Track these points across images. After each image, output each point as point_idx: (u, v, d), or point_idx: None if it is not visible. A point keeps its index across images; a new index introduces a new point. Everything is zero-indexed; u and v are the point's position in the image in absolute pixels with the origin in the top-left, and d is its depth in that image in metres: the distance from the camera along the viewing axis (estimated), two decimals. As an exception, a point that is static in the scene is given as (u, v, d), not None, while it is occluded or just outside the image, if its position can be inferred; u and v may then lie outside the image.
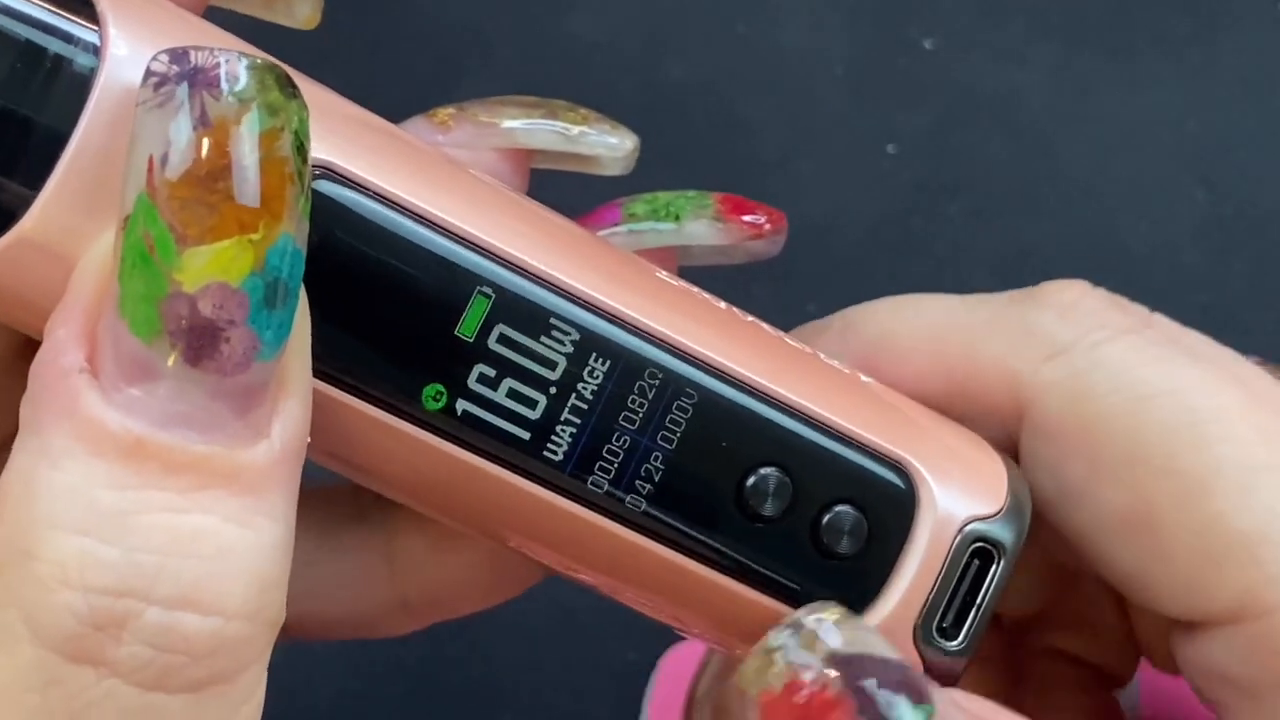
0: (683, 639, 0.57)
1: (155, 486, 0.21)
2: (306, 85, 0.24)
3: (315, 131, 0.22)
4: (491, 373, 0.24)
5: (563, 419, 0.25)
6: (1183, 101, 0.69)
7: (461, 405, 0.24)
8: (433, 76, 0.69)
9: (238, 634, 0.21)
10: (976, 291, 0.30)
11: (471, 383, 0.24)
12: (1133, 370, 0.28)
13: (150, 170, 0.20)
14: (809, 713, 0.23)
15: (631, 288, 0.25)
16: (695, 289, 0.27)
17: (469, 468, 0.25)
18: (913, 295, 0.30)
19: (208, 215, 0.20)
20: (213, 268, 0.20)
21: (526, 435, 0.25)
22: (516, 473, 0.25)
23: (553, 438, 0.25)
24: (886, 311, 0.30)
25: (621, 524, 0.25)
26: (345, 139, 0.24)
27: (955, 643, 0.26)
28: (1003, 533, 0.27)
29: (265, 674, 0.22)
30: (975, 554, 0.26)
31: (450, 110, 0.29)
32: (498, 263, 0.24)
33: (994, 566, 0.26)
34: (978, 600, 0.26)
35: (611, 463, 0.25)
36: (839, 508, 0.26)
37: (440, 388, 0.24)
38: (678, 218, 0.29)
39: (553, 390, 0.25)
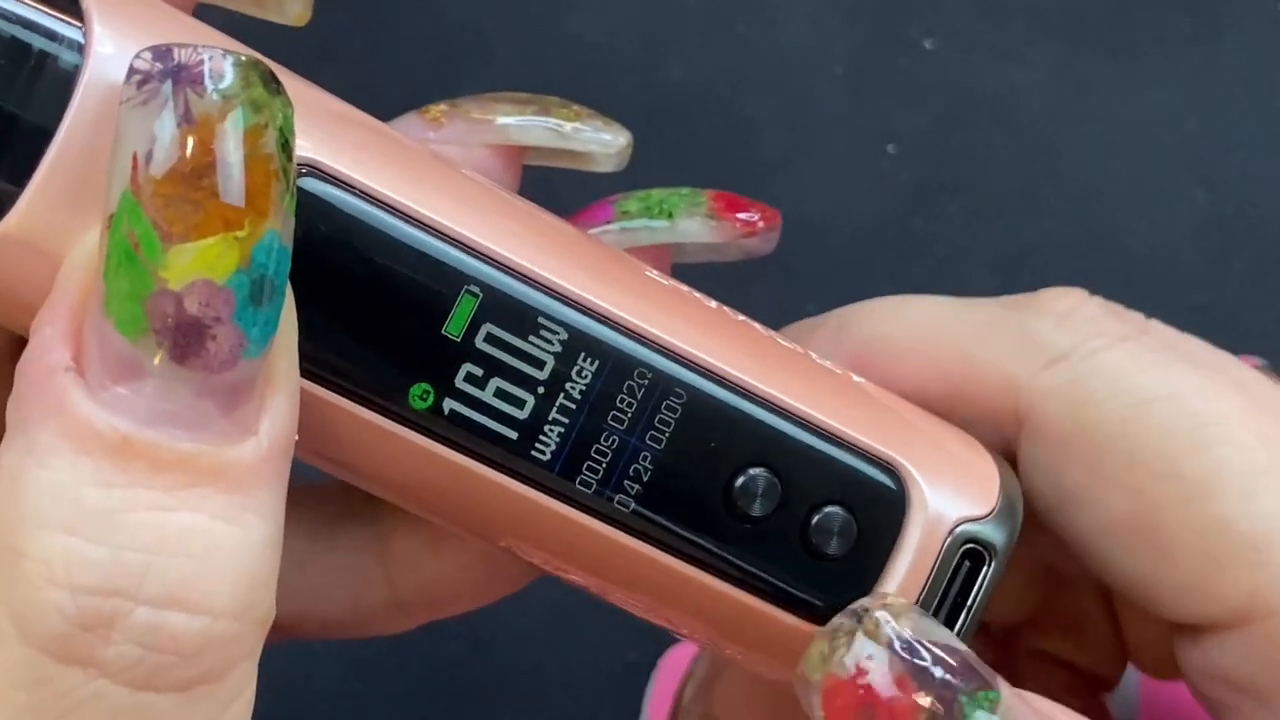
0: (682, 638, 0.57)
1: (142, 485, 0.21)
2: (291, 81, 0.24)
3: (300, 128, 0.22)
4: (479, 372, 0.24)
5: (551, 418, 0.25)
6: (1183, 101, 0.69)
7: (449, 405, 0.24)
8: (433, 76, 0.69)
9: (226, 632, 0.21)
10: (976, 291, 0.30)
11: (459, 382, 0.24)
12: (1131, 376, 0.28)
13: (135, 168, 0.20)
14: (873, 698, 0.23)
15: (620, 287, 0.25)
16: (685, 288, 0.27)
17: (456, 467, 0.25)
18: (907, 296, 0.30)
19: (193, 212, 0.20)
20: (198, 265, 0.20)
21: (514, 435, 0.25)
22: (504, 472, 0.25)
23: (540, 437, 0.25)
24: (881, 312, 0.30)
25: (610, 524, 0.25)
26: (330, 136, 0.24)
27: None
28: (994, 534, 0.26)
29: (255, 672, 0.22)
30: (966, 555, 0.26)
31: (443, 107, 0.29)
32: (485, 262, 0.24)
33: (985, 568, 0.26)
34: (968, 601, 0.26)
35: (600, 462, 0.25)
36: (828, 508, 0.26)
37: (427, 387, 0.24)
38: (671, 215, 0.29)
39: (541, 390, 0.25)
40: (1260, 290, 0.67)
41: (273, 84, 0.21)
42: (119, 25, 0.22)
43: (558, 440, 0.25)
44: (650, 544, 0.25)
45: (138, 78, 0.21)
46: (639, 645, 0.61)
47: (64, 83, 0.22)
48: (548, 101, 0.29)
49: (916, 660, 0.23)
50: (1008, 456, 0.29)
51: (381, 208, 0.24)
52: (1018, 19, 0.70)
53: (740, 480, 0.25)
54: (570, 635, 0.61)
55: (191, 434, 0.21)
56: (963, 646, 0.24)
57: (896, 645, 0.24)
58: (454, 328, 0.24)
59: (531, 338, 0.24)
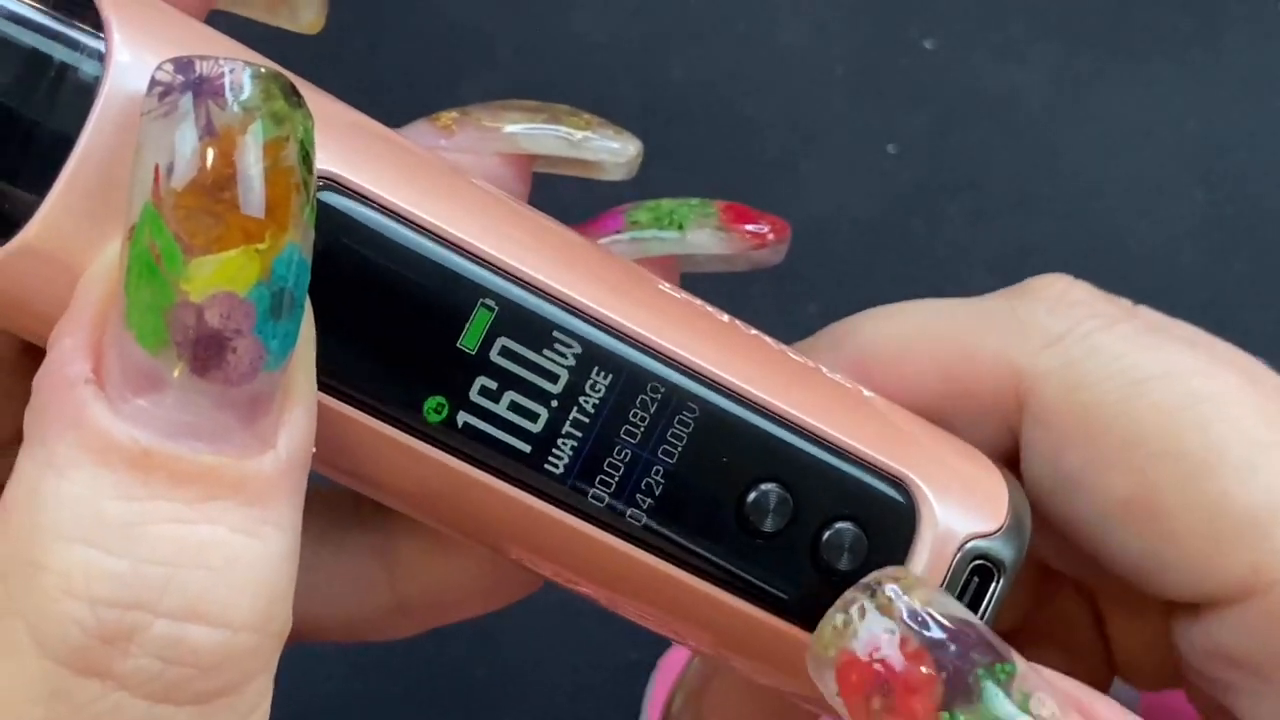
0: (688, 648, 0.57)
1: (163, 497, 0.21)
2: (309, 93, 0.23)
3: (319, 141, 0.22)
4: (493, 385, 0.24)
5: (564, 432, 0.25)
6: (1183, 101, 0.69)
7: (463, 418, 0.24)
8: (433, 76, 0.69)
9: (245, 645, 0.21)
10: (976, 291, 0.31)
11: (473, 395, 0.24)
12: (1127, 356, 0.28)
13: (156, 180, 0.20)
14: (888, 673, 0.23)
15: (634, 300, 0.25)
16: (698, 301, 0.27)
17: (469, 480, 0.25)
18: (897, 304, 0.30)
19: (213, 225, 0.20)
20: (219, 277, 0.20)
21: (528, 448, 0.25)
22: (517, 485, 0.25)
23: (554, 451, 0.25)
24: (875, 320, 0.30)
25: (621, 538, 0.25)
26: (349, 149, 0.24)
27: None
28: (1003, 550, 0.26)
29: (271, 684, 0.22)
30: (975, 571, 0.26)
31: (453, 114, 0.29)
32: (501, 275, 0.24)
33: (994, 584, 0.26)
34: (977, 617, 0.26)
35: (612, 476, 0.25)
36: (839, 524, 0.26)
37: (442, 400, 0.24)
38: (681, 226, 0.29)
39: (554, 403, 0.25)
40: (1260, 290, 0.67)
41: (293, 96, 0.21)
42: (138, 35, 0.22)
43: (571, 453, 0.25)
44: (661, 558, 0.25)
45: (159, 89, 0.21)
46: (639, 645, 0.61)
47: (84, 93, 0.22)
48: (558, 110, 0.29)
49: (930, 634, 0.23)
50: (1013, 447, 0.29)
51: (398, 221, 0.24)
52: (1018, 19, 0.70)
53: (753, 495, 0.25)
54: (571, 635, 0.61)
55: (212, 446, 0.21)
56: (976, 620, 0.24)
57: (909, 619, 0.24)
58: (469, 341, 0.24)
59: (546, 351, 0.24)
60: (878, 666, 0.23)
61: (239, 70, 0.21)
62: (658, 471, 0.25)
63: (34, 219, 0.22)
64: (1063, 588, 0.34)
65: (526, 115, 0.29)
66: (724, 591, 0.26)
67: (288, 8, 0.28)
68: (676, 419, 0.25)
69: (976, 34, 0.70)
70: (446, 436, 0.24)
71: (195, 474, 0.21)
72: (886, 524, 0.26)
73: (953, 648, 0.23)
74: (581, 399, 0.25)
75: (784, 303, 0.63)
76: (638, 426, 0.25)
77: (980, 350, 0.29)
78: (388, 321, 0.24)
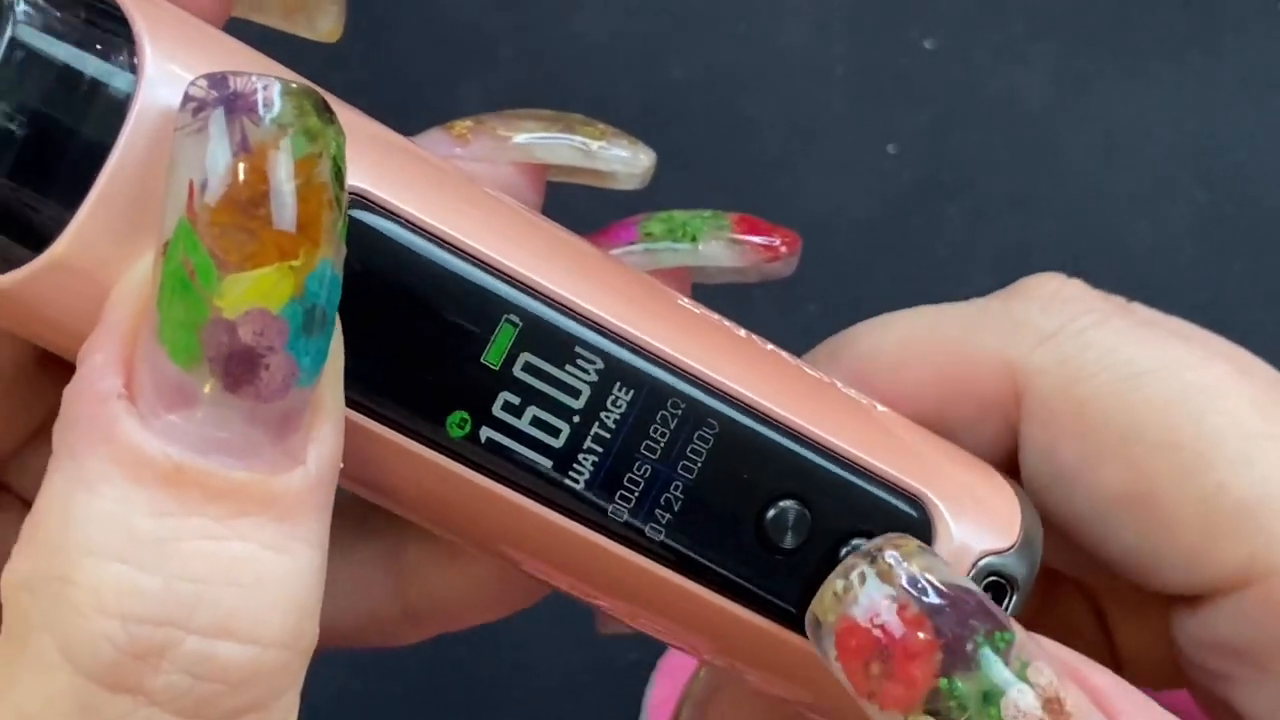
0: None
1: (195, 513, 0.21)
2: (338, 109, 0.24)
3: (349, 157, 0.22)
4: (516, 400, 0.24)
5: (585, 447, 0.25)
6: (1183, 101, 0.69)
7: (486, 433, 0.24)
8: (433, 76, 0.69)
9: (274, 662, 0.21)
10: (976, 291, 0.31)
11: (496, 410, 0.24)
12: (1122, 349, 0.28)
13: (190, 196, 0.20)
14: (887, 638, 0.23)
15: (655, 317, 0.25)
16: (715, 316, 0.27)
17: (491, 495, 0.25)
18: (893, 313, 0.31)
19: (248, 241, 0.20)
20: (253, 294, 0.20)
21: (549, 463, 0.25)
22: (538, 500, 0.25)
23: (575, 466, 0.25)
24: (871, 330, 0.30)
25: (640, 553, 0.25)
26: (376, 165, 0.24)
27: None
28: (1017, 566, 0.27)
29: (298, 700, 0.22)
30: (988, 587, 0.26)
31: (468, 123, 0.29)
32: (526, 292, 0.24)
33: (1006, 600, 0.27)
34: None
35: (632, 491, 0.25)
36: (856, 540, 0.26)
37: (465, 415, 0.24)
38: (694, 238, 0.29)
39: (576, 419, 0.25)
40: (1260, 290, 0.67)
41: (326, 113, 0.21)
42: (170, 49, 0.22)
43: (592, 469, 0.25)
44: (679, 572, 0.25)
45: (193, 105, 0.21)
46: (639, 645, 0.61)
47: (116, 108, 0.22)
48: (572, 119, 0.29)
49: (929, 600, 0.24)
50: (1016, 447, 0.29)
51: (426, 238, 0.24)
52: (1018, 19, 0.70)
53: (772, 511, 0.25)
54: (571, 635, 0.61)
55: (243, 462, 0.21)
56: (976, 588, 0.24)
57: (909, 585, 0.24)
58: (493, 357, 0.24)
59: (568, 367, 0.24)
60: (877, 632, 0.24)
61: (272, 86, 0.21)
62: (678, 487, 0.25)
63: (65, 233, 0.22)
64: (1066, 589, 0.34)
65: (541, 125, 0.29)
66: (741, 606, 0.26)
67: (305, 16, 0.28)
68: (697, 435, 0.25)
69: (976, 34, 0.70)
70: (469, 451, 0.24)
71: (226, 490, 0.21)
72: None
73: (952, 615, 0.23)
74: (603, 414, 0.25)
75: (784, 302, 0.63)
76: (658, 442, 0.25)
77: (977, 352, 0.29)
78: (413, 337, 0.24)
